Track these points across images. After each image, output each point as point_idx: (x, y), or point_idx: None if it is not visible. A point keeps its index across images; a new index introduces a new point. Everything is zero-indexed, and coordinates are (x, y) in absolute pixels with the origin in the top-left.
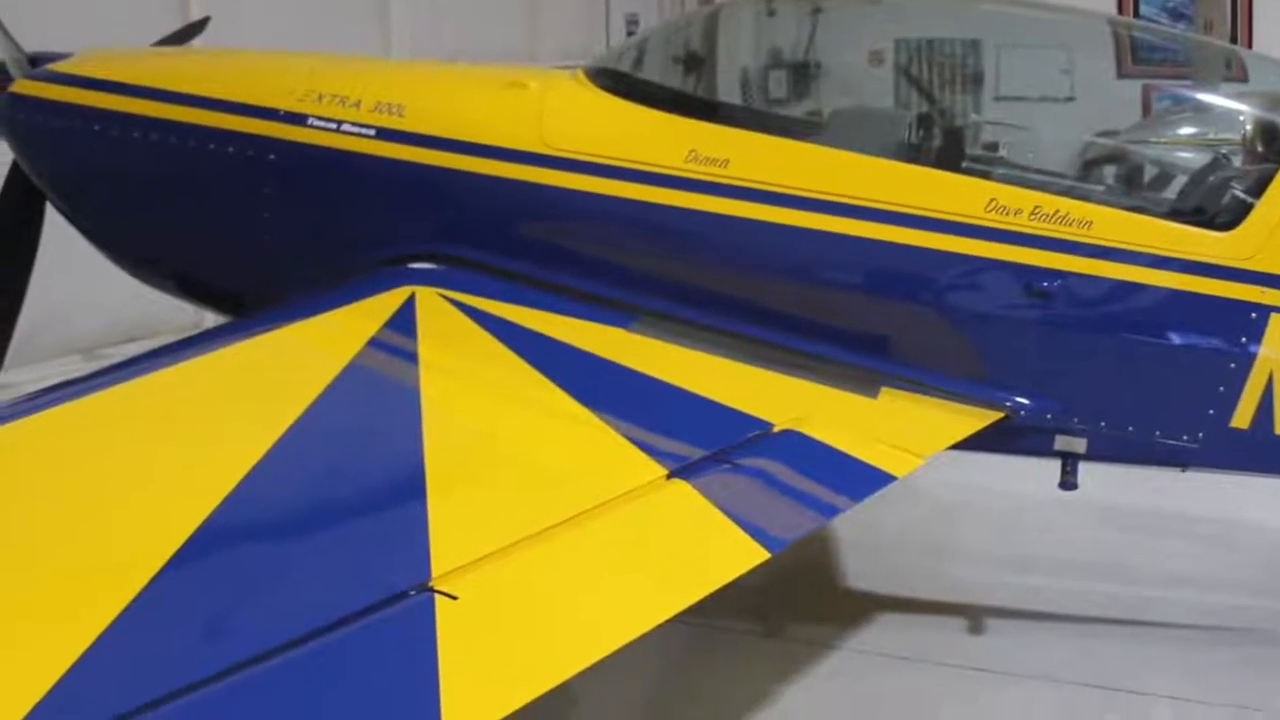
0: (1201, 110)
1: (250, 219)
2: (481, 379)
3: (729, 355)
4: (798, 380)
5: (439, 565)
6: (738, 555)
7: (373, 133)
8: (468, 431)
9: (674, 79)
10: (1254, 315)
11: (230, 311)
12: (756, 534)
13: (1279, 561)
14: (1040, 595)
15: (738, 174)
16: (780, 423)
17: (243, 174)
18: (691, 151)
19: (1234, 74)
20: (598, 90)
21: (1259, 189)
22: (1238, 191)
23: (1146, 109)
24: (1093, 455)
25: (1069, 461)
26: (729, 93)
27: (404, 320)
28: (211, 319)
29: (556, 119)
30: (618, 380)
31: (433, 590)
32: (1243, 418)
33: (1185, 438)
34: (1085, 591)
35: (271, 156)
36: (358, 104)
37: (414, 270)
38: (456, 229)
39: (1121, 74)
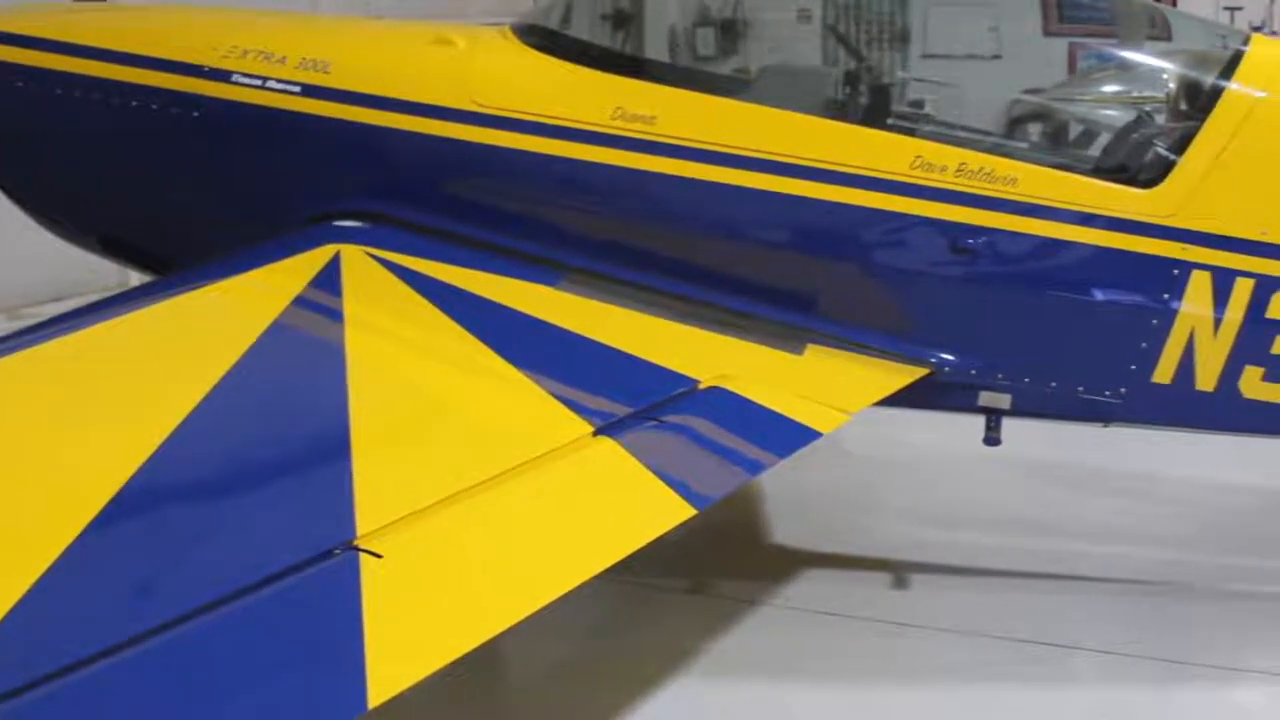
0: (1126, 68)
1: (174, 177)
2: (408, 337)
3: (656, 313)
4: (724, 337)
5: (364, 524)
6: (664, 512)
7: (298, 89)
8: (393, 389)
9: (602, 36)
10: (1176, 272)
11: (156, 270)
12: (682, 490)
13: (1202, 515)
14: (965, 550)
15: (664, 131)
16: (706, 380)
17: (166, 131)
18: (618, 109)
19: (1158, 32)
20: (525, 47)
21: (1181, 146)
22: (1161, 149)
23: (1072, 67)
24: (1017, 411)
25: (993, 417)
26: (656, 50)
27: (329, 278)
28: (137, 278)
29: (483, 76)
30: (545, 338)
31: (357, 549)
32: (1165, 373)
33: (1108, 393)
34: (1010, 546)
35: (195, 114)
36: (283, 60)
37: (340, 228)
38: (383, 186)
39: (1048, 32)
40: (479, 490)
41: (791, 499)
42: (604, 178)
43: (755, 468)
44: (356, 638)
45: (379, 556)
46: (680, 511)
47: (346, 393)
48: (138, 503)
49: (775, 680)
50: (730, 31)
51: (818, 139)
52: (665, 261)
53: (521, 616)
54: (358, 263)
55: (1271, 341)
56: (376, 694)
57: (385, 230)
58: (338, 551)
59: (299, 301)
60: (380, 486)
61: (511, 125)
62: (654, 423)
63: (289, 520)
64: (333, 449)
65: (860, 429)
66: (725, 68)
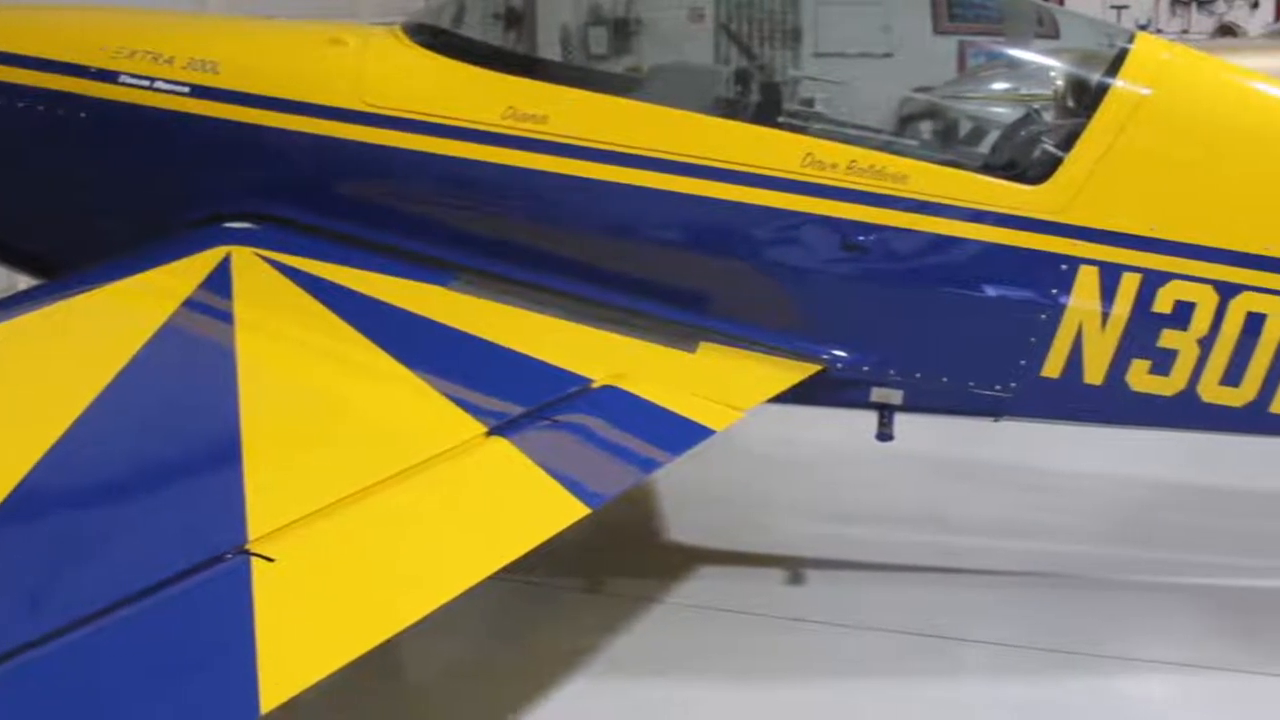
0: (1014, 66)
1: (63, 179)
2: (299, 339)
3: (549, 312)
4: (617, 336)
5: (256, 528)
6: (557, 511)
7: (187, 90)
8: (285, 392)
9: (494, 35)
10: (1064, 267)
11: (45, 275)
12: (576, 489)
13: (1091, 508)
14: (858, 545)
15: (556, 130)
16: (600, 379)
17: (54, 133)
18: (510, 108)
19: (1046, 31)
20: (416, 47)
21: (1069, 143)
22: (1049, 146)
23: (962, 65)
24: (909, 406)
25: (885, 413)
26: (549, 49)
27: (220, 280)
28: (26, 283)
29: (374, 76)
30: (437, 338)
31: (249, 553)
32: (1054, 367)
33: (998, 388)
34: (902, 541)
35: (83, 115)
36: (171, 61)
37: (231, 230)
38: (274, 188)
39: (938, 31)
40: (372, 492)
41: (687, 497)
42: (495, 177)
43: (649, 466)
44: (248, 642)
45: (271, 560)
46: (574, 510)
47: (237, 396)
48: (24, 509)
49: (672, 678)
50: (623, 30)
51: (709, 137)
52: (558, 261)
53: (416, 618)
54: (248, 265)
55: (1158, 335)
56: (269, 698)
57: (277, 232)
58: (229, 556)
59: (189, 304)
60: (272, 490)
61: (403, 125)
62: (547, 422)
63: (179, 525)
64: (224, 452)
65: (754, 426)
66: (617, 67)
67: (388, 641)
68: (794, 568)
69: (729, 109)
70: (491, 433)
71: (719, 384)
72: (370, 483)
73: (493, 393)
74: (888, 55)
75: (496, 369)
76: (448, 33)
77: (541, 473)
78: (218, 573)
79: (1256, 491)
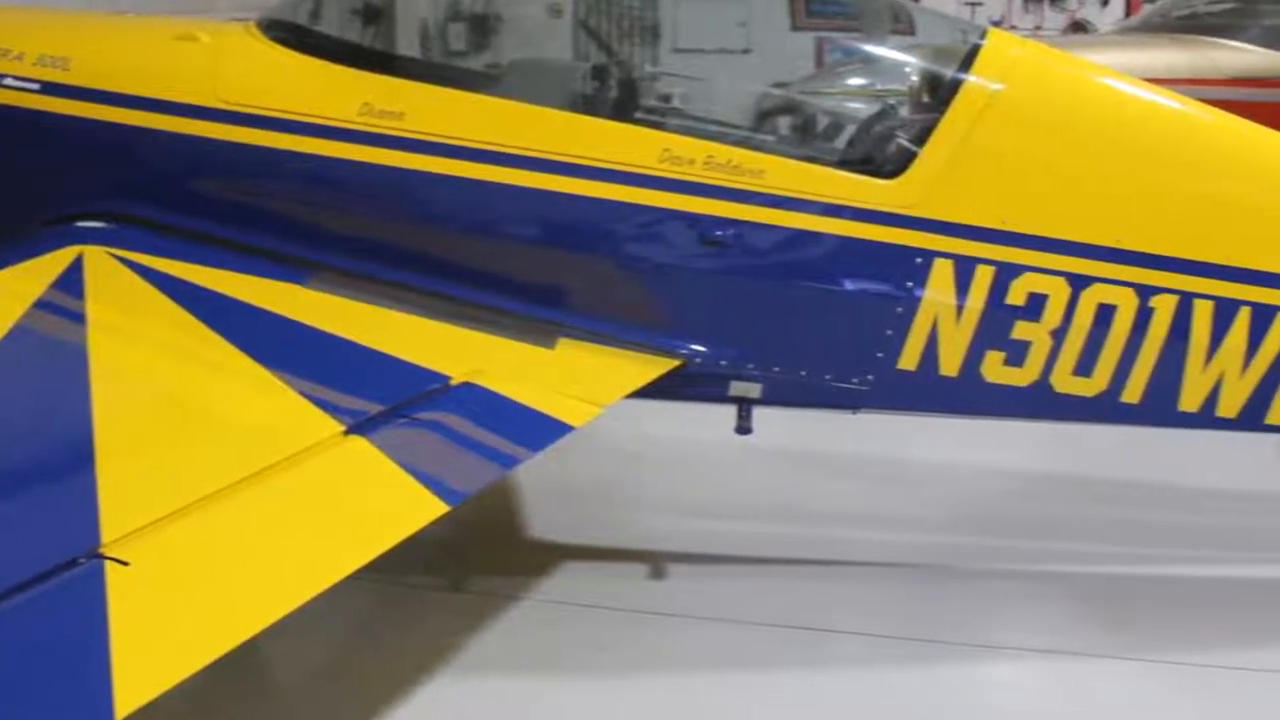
0: (871, 62)
1: None
2: (153, 339)
3: (407, 310)
4: (475, 333)
5: (109, 531)
6: (416, 509)
7: (36, 87)
8: (139, 393)
9: (351, 31)
10: (919, 260)
11: None
12: (435, 487)
13: (950, 498)
14: (722, 539)
15: (413, 127)
16: (458, 376)
17: None
18: (366, 104)
19: (902, 27)
20: (271, 43)
21: (923, 138)
22: (904, 141)
23: (819, 61)
24: (767, 400)
25: (744, 406)
26: (407, 45)
27: (72, 281)
28: None
29: (229, 72)
30: (294, 337)
31: (103, 556)
32: (910, 360)
33: (856, 380)
34: (765, 534)
35: None
36: (20, 57)
37: (83, 229)
38: (127, 186)
39: (796, 27)
40: (229, 493)
41: (548, 493)
42: (352, 174)
43: (509, 462)
44: (102, 647)
45: (125, 564)
46: (433, 508)
47: (90, 397)
48: None
49: (537, 675)
50: (482, 26)
51: (567, 133)
52: (416, 258)
53: (275, 618)
54: (101, 264)
55: (1012, 326)
56: (125, 703)
57: (130, 231)
58: (82, 560)
59: (40, 305)
60: (126, 492)
61: (258, 122)
62: (406, 420)
63: (31, 529)
64: (76, 455)
65: (614, 422)
66: (476, 63)
67: (247, 644)
68: (657, 562)
69: (587, 105)
70: (349, 431)
71: (578, 380)
72: (226, 483)
73: (351, 391)
74: (746, 51)
75: (354, 367)
76: (303, 29)
77: (400, 471)
78: (71, 577)
79: (1110, 480)
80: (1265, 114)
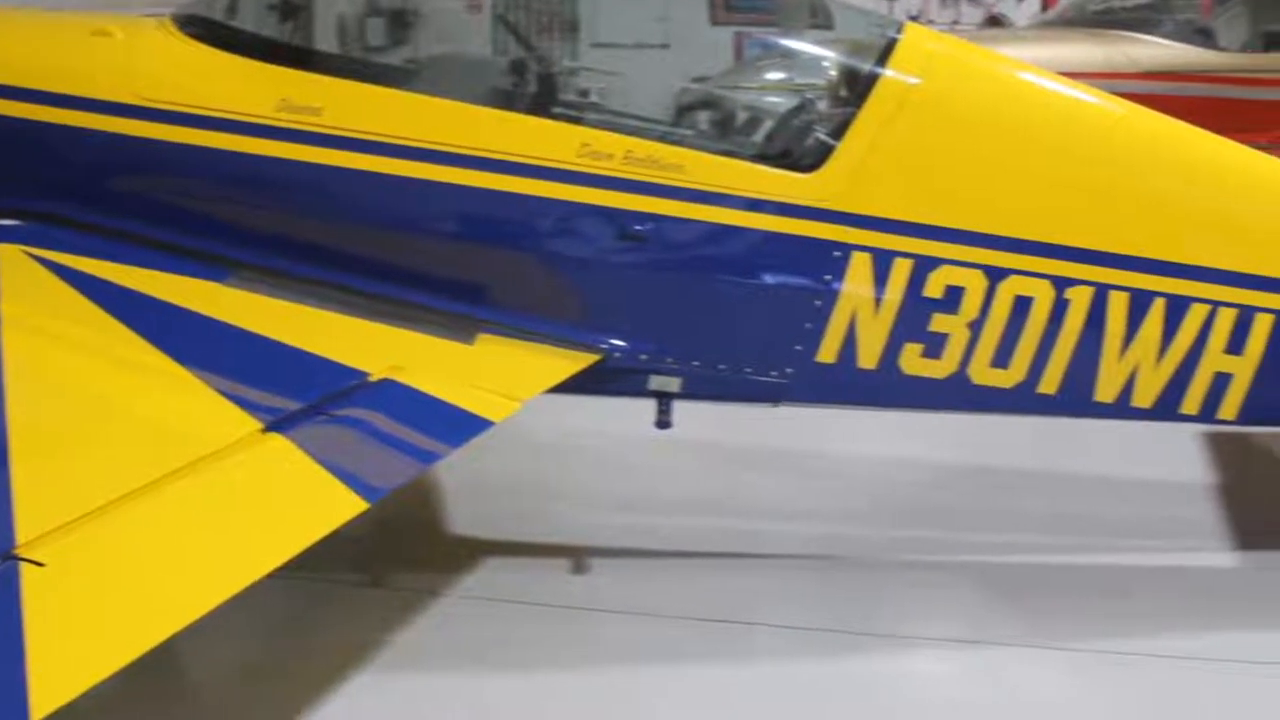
0: (789, 57)
1: None
2: (69, 338)
3: (325, 306)
4: (394, 329)
5: (24, 532)
6: (335, 506)
7: None
8: (54, 392)
9: (268, 27)
10: (837, 254)
11: None
12: (354, 484)
13: (869, 490)
14: (642, 533)
15: (330, 122)
16: (377, 372)
17: None
18: (283, 100)
19: (820, 21)
20: (186, 38)
21: (841, 132)
22: (822, 135)
23: (738, 56)
24: (687, 394)
25: (664, 401)
26: (325, 40)
27: None
28: None
29: (144, 68)
30: (212, 335)
31: (17, 558)
32: (829, 353)
33: (775, 374)
34: (686, 528)
35: None
36: None
37: None
38: (42, 183)
39: (715, 21)
40: (146, 492)
41: (470, 489)
42: (270, 171)
43: (428, 458)
44: (17, 649)
45: (41, 565)
46: (352, 505)
47: (3, 397)
48: None
49: (459, 671)
50: (400, 22)
51: (485, 129)
52: (335, 255)
53: (194, 618)
54: (16, 263)
55: (929, 319)
56: (40, 706)
57: (46, 229)
58: None
59: None
60: (41, 492)
61: (174, 118)
62: (324, 417)
63: None
64: None
65: (535, 417)
66: (394, 58)
67: (166, 645)
68: (578, 557)
69: (506, 100)
70: (268, 429)
71: (497, 375)
72: (143, 483)
73: (269, 389)
74: (665, 46)
75: (273, 365)
76: (219, 24)
77: (319, 468)
78: None
79: (1028, 470)
80: (1178, 107)
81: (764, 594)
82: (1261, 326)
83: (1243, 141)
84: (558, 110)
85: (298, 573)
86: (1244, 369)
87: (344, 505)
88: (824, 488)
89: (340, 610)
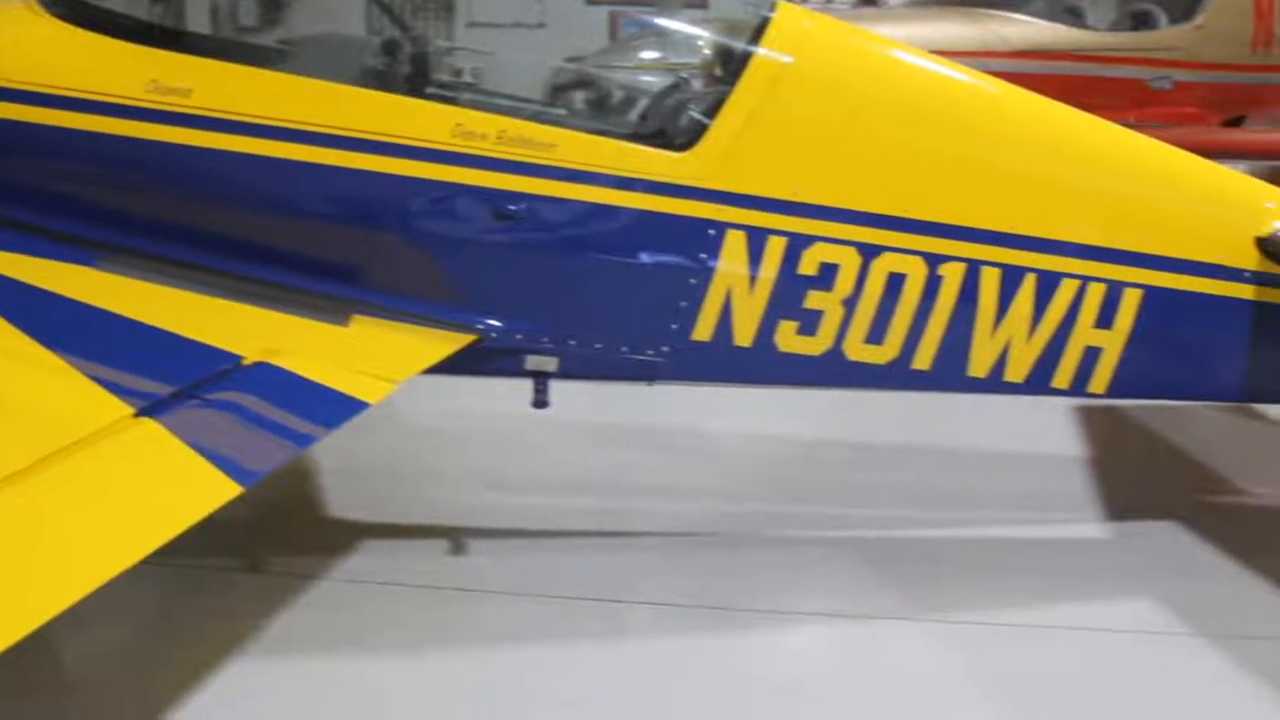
0: (663, 36)
1: None
2: None
3: (198, 290)
4: (268, 312)
5: None
6: (210, 491)
7: None
8: None
9: (138, 7)
10: (712, 232)
11: None
12: (228, 468)
13: (746, 467)
14: (520, 513)
15: (201, 104)
16: (251, 355)
17: None
18: (153, 81)
19: (694, 1)
20: (52, 18)
21: (714, 110)
22: (695, 113)
23: (613, 35)
24: (564, 373)
25: (540, 380)
26: (196, 21)
27: None
28: None
29: (8, 48)
30: (82, 320)
31: None
32: (704, 331)
33: (651, 352)
34: (564, 507)
35: None
36: None
37: None
38: None
39: (590, 1)
40: (13, 480)
41: (346, 471)
42: (139, 153)
43: (304, 441)
44: None
45: None
46: (227, 489)
47: None
48: None
49: (339, 654)
50: (273, 2)
51: (358, 109)
52: (207, 237)
53: (64, 607)
54: None
55: (804, 296)
56: None
57: None
58: None
59: None
60: None
61: (40, 100)
62: (197, 401)
63: None
64: None
65: (411, 398)
66: (267, 38)
67: (37, 635)
68: (457, 538)
69: (379, 80)
70: (139, 414)
71: (372, 357)
72: (12, 470)
73: (140, 373)
74: (540, 25)
75: (144, 349)
76: (87, 4)
77: (191, 452)
78: None
79: (901, 446)
80: (1049, 86)
81: (642, 571)
82: (1130, 301)
83: (1112, 119)
84: (431, 90)
85: (172, 559)
86: (1113, 343)
87: (218, 489)
88: (701, 465)
89: (216, 596)
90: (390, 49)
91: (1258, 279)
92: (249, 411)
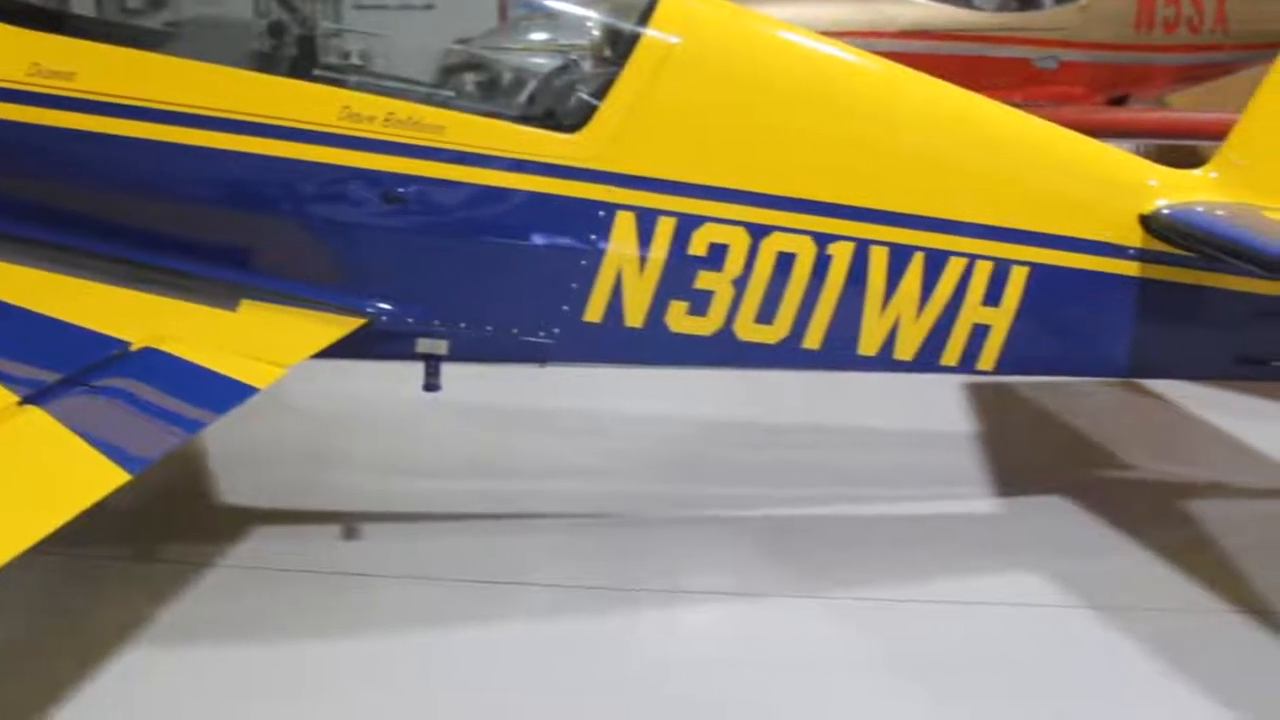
0: (553, 17)
1: None
2: None
3: (84, 275)
4: (156, 297)
5: None
6: (97, 479)
7: None
8: None
9: None
10: (602, 214)
11: None
12: (116, 455)
13: (639, 447)
14: (414, 497)
15: (85, 87)
16: (138, 341)
17: None
18: (35, 64)
19: None
20: None
21: (603, 92)
22: (585, 95)
23: (503, 16)
24: (455, 356)
25: (432, 363)
26: (80, 3)
27: None
28: None
29: None
30: None
31: None
32: (595, 312)
33: (543, 334)
34: (457, 490)
35: None
36: None
37: None
38: None
39: None
40: None
41: (237, 457)
42: (22, 137)
43: (192, 427)
44: None
45: None
46: (115, 477)
47: None
48: None
49: (233, 642)
50: None
51: (245, 92)
52: (93, 222)
53: None
54: None
55: (694, 277)
56: None
57: None
58: None
59: None
60: None
61: None
62: (84, 388)
63: None
64: None
65: (301, 383)
66: (153, 21)
67: None
68: (350, 523)
69: (266, 63)
70: (24, 402)
71: (261, 341)
72: None
73: (25, 360)
74: (429, 7)
75: (30, 336)
76: None
77: (78, 440)
78: None
79: (793, 425)
80: (936, 66)
81: (535, 553)
82: (1017, 278)
83: (999, 99)
84: (318, 73)
85: (61, 548)
86: (1001, 320)
87: (106, 477)
88: (593, 446)
89: (107, 586)
90: (277, 31)
91: (1142, 256)
92: (137, 398)
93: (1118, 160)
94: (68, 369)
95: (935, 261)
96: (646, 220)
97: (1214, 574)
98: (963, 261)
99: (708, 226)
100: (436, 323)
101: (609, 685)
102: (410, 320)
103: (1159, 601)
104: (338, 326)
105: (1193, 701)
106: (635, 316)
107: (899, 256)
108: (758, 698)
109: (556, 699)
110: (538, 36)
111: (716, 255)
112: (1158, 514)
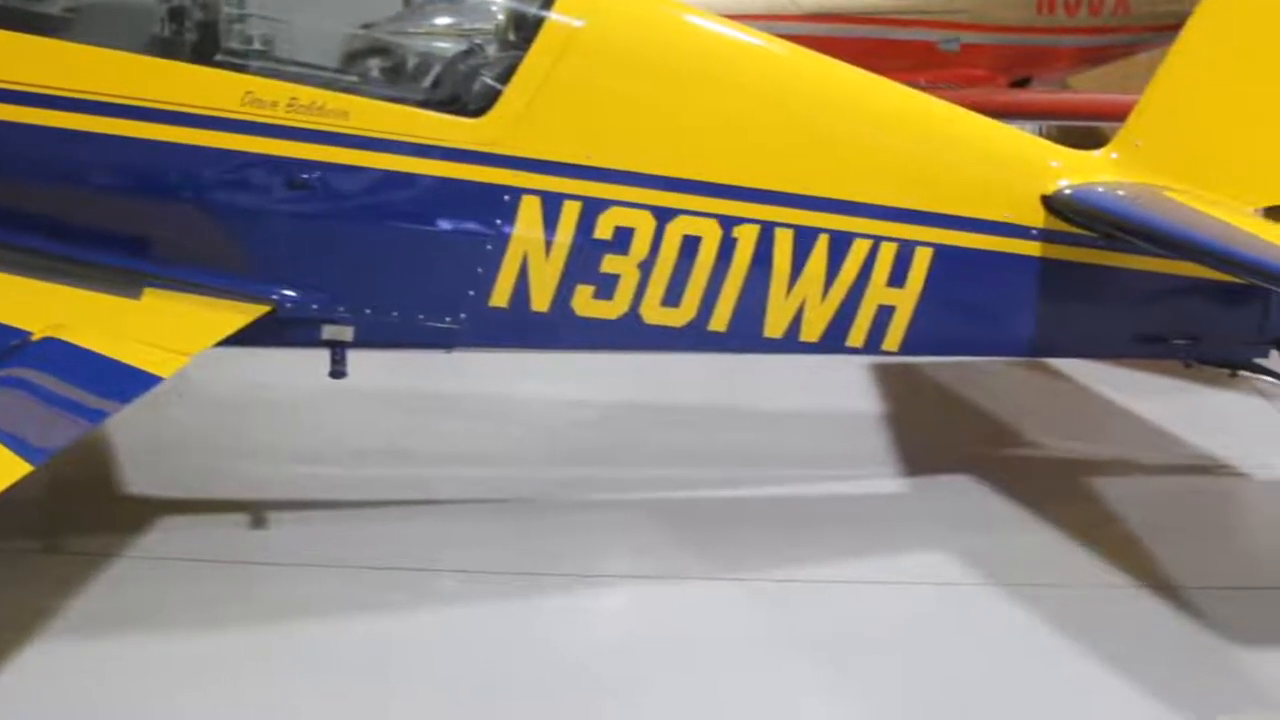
0: (457, 2)
1: None
2: None
3: None
4: (56, 286)
5: None
6: None
7: None
8: None
9: None
10: (507, 198)
11: None
12: (17, 446)
13: (548, 432)
14: (322, 484)
15: None
16: (39, 331)
17: None
18: None
19: None
20: None
21: (507, 76)
22: (488, 79)
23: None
24: (361, 342)
25: (337, 350)
26: None
27: None
28: None
29: None
30: None
31: None
32: (501, 297)
33: (449, 319)
34: (365, 477)
35: None
36: None
37: None
38: None
39: None
40: None
41: (146, 447)
42: None
43: (95, 417)
44: None
45: None
46: (17, 468)
47: None
48: None
49: (141, 633)
50: None
51: (145, 78)
52: None
53: None
54: None
55: (600, 261)
56: None
57: None
58: None
59: None
60: None
61: None
62: None
63: None
64: None
65: (206, 371)
66: (50, 6)
67: None
68: (258, 511)
69: (167, 48)
70: None
71: (165, 330)
72: None
73: None
74: None
75: None
76: None
77: None
78: None
79: (702, 407)
80: (840, 49)
81: (445, 540)
82: (922, 259)
83: (903, 81)
84: (220, 58)
85: None
86: (905, 301)
87: (7, 468)
88: (502, 432)
89: (11, 577)
90: (178, 16)
91: (1044, 236)
92: (37, 388)
93: (1020, 142)
94: None
95: (840, 243)
96: (552, 204)
97: (1117, 549)
98: (867, 243)
99: (613, 210)
100: (342, 309)
101: (520, 670)
102: (315, 307)
103: (1063, 577)
104: (242, 314)
105: (1097, 676)
106: (542, 301)
107: (804, 239)
108: (674, 680)
109: (468, 687)
110: (442, 21)
111: (622, 239)
112: (1062, 491)
